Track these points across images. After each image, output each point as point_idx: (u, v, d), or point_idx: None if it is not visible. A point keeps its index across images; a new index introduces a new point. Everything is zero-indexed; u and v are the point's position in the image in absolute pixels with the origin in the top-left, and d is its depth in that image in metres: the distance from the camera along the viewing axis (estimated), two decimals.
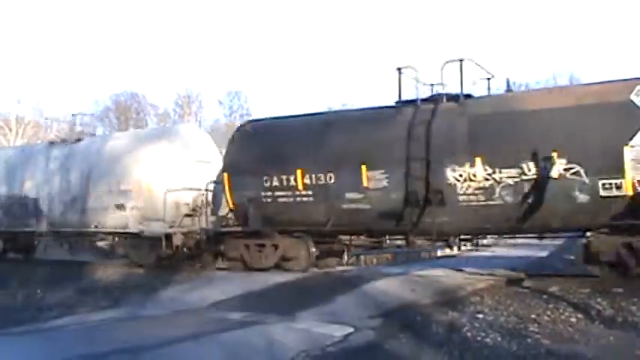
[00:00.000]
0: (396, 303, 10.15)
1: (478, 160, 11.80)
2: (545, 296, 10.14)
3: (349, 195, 13.06)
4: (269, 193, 14.08)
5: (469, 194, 11.92)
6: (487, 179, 11.77)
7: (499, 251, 14.55)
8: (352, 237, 14.41)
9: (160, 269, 15.09)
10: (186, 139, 17.11)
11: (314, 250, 14.14)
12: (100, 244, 17.96)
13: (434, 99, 13.03)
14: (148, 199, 15.93)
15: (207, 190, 15.91)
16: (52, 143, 19.87)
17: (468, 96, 12.83)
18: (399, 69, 13.20)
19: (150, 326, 9.10)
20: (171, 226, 15.60)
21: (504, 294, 10.55)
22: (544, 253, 18.05)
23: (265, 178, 14.06)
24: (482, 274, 13.05)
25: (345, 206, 13.12)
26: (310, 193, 13.59)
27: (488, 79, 13.65)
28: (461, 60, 12.52)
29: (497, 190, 11.70)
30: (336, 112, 14.95)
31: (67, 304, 10.78)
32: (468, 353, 6.97)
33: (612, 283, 10.63)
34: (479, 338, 7.56)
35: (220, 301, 10.70)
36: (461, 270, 13.98)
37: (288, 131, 14.71)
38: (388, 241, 15.48)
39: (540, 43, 74.06)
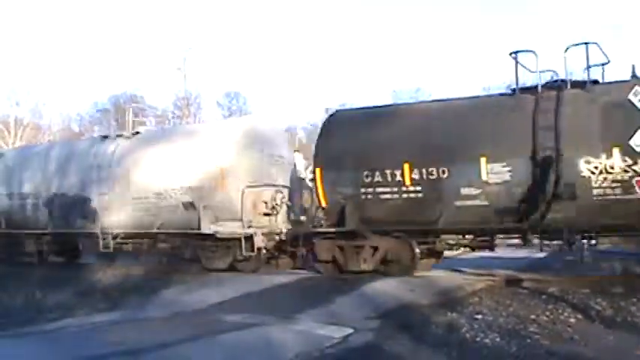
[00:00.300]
0: (395, 304, 10.15)
1: (616, 151, 10.98)
2: (544, 296, 10.14)
3: (464, 190, 12.04)
4: (369, 190, 12.95)
5: (604, 187, 11.03)
6: (626, 171, 10.93)
7: (498, 252, 14.53)
8: (458, 236, 13.18)
9: (160, 272, 14.99)
10: (261, 133, 15.81)
11: (418, 251, 12.94)
12: (162, 246, 16.20)
13: (555, 85, 12.08)
14: (222, 198, 14.66)
15: (284, 186, 15.19)
16: (104, 137, 18.23)
17: (595, 82, 11.91)
18: (514, 53, 12.35)
19: (149, 328, 9.08)
20: (249, 226, 14.48)
21: (503, 294, 10.55)
22: (543, 254, 18.02)
23: (366, 173, 12.94)
24: (481, 275, 13.04)
25: (458, 203, 12.12)
26: (419, 188, 12.50)
27: (603, 64, 12.19)
28: (586, 43, 11.75)
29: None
30: (440, 100, 13.73)
31: (66, 305, 10.74)
32: (467, 354, 6.96)
33: (611, 283, 10.63)
34: (478, 339, 7.55)
35: (219, 302, 10.68)
36: (460, 270, 13.98)
37: (389, 121, 13.48)
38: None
39: None
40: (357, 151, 13.29)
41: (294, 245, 14.59)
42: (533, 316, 8.66)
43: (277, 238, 14.71)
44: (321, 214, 14.59)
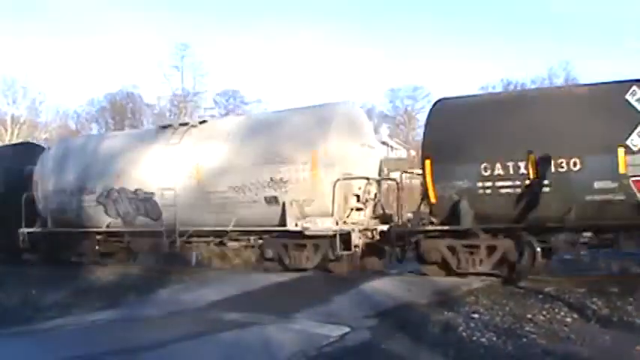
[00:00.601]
0: (392, 303, 10.17)
1: None
2: (540, 296, 10.17)
3: (598, 184, 11.14)
4: (488, 184, 11.99)
5: None
6: None
7: None
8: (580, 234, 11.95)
9: (158, 270, 14.85)
10: (354, 119, 14.55)
11: (539, 250, 11.79)
12: (232, 244, 15.02)
13: None
14: (312, 191, 13.33)
15: (374, 179, 14.10)
16: (165, 127, 16.58)
17: None
18: None
19: (146, 327, 9.09)
20: (344, 222, 13.37)
21: (500, 294, 10.57)
22: None
23: (484, 165, 11.95)
24: (477, 275, 13.04)
25: (589, 197, 11.17)
26: (546, 182, 11.52)
27: None
28: None
29: None
30: (556, 88, 12.76)
31: (63, 304, 10.75)
32: (463, 353, 6.99)
33: (608, 283, 10.66)
34: (474, 338, 7.57)
35: (216, 301, 10.68)
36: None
37: (511, 109, 12.46)
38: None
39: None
40: (473, 141, 12.24)
41: (389, 243, 13.47)
42: (529, 316, 8.68)
43: (371, 235, 13.67)
44: (422, 210, 13.40)
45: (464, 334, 7.83)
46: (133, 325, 9.19)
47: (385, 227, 13.57)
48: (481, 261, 12.21)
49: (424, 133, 13.35)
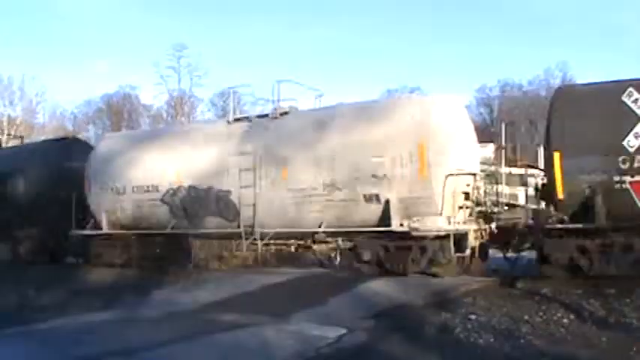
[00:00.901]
0: (389, 304, 10.18)
1: None
2: (537, 297, 10.17)
3: None
4: (625, 178, 11.02)
5: None
6: None
7: (491, 252, 14.56)
8: None
9: (152, 270, 14.60)
10: (456, 112, 13.16)
11: None
12: (319, 247, 13.56)
13: None
14: (419, 187, 12.04)
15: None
16: (238, 120, 15.08)
17: None
18: None
19: (142, 327, 9.08)
20: (458, 222, 12.11)
21: (497, 295, 10.57)
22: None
23: (622, 157, 11.00)
24: (474, 276, 13.04)
25: None
26: None
27: None
28: None
29: None
30: None
31: (60, 305, 10.74)
32: (460, 354, 7.01)
33: (605, 284, 10.66)
34: (471, 339, 7.58)
35: (214, 302, 10.69)
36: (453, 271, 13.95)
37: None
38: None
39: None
40: (609, 131, 11.21)
41: (500, 244, 12.58)
42: (526, 317, 8.69)
43: (483, 235, 12.51)
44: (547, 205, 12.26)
45: (461, 335, 7.84)
46: (129, 326, 9.17)
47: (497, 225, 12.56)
48: (617, 261, 11.12)
49: (548, 125, 12.16)
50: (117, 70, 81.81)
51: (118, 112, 60.38)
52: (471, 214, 12.56)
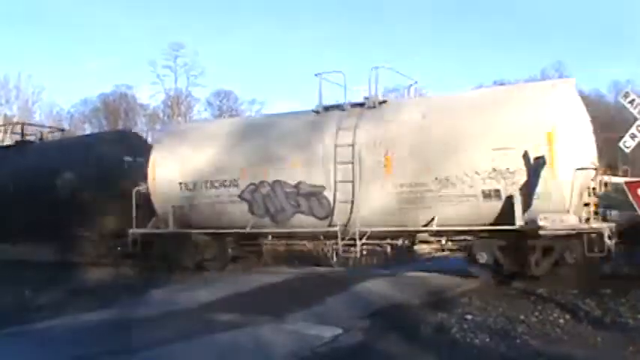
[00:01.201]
0: (386, 304, 10.19)
1: None
2: (533, 297, 10.21)
3: None
4: None
5: None
6: None
7: None
8: None
9: (152, 271, 14.58)
10: (578, 100, 11.74)
11: None
12: (421, 247, 12.36)
13: None
14: (545, 181, 10.96)
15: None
16: (327, 109, 13.80)
17: None
18: None
19: (139, 327, 9.05)
20: (587, 219, 10.95)
21: (493, 295, 10.60)
22: None
23: None
24: (471, 275, 13.06)
25: None
26: None
27: None
28: None
29: None
30: None
31: (57, 304, 10.72)
32: (456, 354, 7.02)
33: (600, 284, 10.68)
34: (468, 339, 7.59)
35: (210, 302, 10.67)
36: (450, 271, 13.99)
37: None
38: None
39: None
40: None
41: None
42: (522, 317, 8.71)
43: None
44: None
45: (457, 335, 7.85)
46: (126, 326, 9.15)
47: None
48: None
49: None
50: (113, 69, 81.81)
51: (115, 111, 60.35)
52: (596, 212, 11.39)
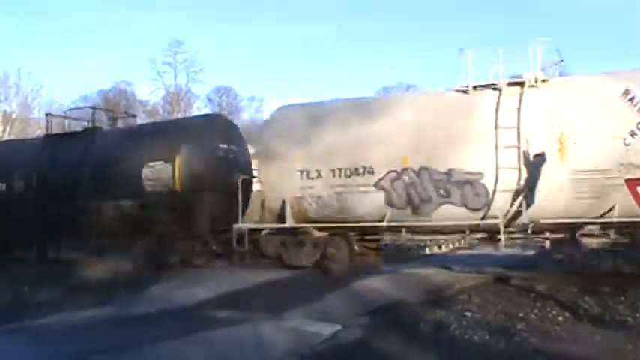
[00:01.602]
0: (385, 301, 10.19)
1: None
2: (532, 294, 10.21)
3: None
4: None
5: None
6: None
7: (486, 249, 14.61)
8: None
9: (148, 267, 14.47)
10: None
11: None
12: (589, 241, 11.44)
13: None
14: None
15: None
16: (476, 87, 12.49)
17: None
18: None
19: (137, 324, 9.05)
20: None
21: (492, 292, 10.61)
22: (531, 252, 18.09)
23: None
24: (470, 272, 13.07)
25: None
26: None
27: None
28: None
29: None
30: None
31: (54, 301, 10.70)
32: (455, 351, 7.01)
33: (600, 281, 10.70)
34: (467, 336, 7.60)
35: (209, 299, 10.66)
36: (449, 268, 14.01)
37: None
38: None
39: None
40: None
41: None
42: (521, 314, 8.72)
43: None
44: None
45: (456, 332, 7.86)
46: (124, 323, 9.15)
47: None
48: None
49: None
50: (113, 65, 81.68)
51: (114, 107, 60.27)
52: None
